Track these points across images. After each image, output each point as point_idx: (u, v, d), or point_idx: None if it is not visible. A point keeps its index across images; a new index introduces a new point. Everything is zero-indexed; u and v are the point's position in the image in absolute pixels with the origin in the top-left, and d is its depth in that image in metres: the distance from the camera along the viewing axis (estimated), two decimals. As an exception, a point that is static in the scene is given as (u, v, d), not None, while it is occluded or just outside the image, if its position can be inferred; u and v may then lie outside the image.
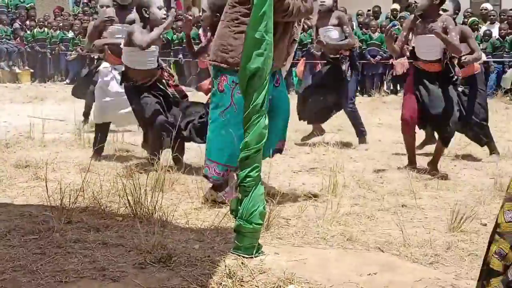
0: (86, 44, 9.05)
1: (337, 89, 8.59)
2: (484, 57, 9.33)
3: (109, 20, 7.56)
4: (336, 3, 8.58)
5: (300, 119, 8.89)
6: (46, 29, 20.34)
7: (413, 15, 7.01)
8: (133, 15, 7.44)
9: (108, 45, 7.68)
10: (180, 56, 18.17)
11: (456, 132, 8.26)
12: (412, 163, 7.06)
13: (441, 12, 6.83)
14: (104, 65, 7.68)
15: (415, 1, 6.79)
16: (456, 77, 6.81)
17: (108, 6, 8.09)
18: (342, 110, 8.86)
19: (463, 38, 7.56)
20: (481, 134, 7.89)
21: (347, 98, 8.65)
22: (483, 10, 16.74)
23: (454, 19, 7.59)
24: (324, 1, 8.37)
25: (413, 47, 6.92)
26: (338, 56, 8.51)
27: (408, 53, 7.27)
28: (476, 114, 7.75)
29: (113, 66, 7.58)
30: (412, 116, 6.80)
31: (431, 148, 7.62)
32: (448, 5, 7.48)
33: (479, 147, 8.15)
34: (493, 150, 7.95)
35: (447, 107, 6.66)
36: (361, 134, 8.74)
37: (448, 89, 6.70)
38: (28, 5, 22.02)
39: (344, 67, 8.47)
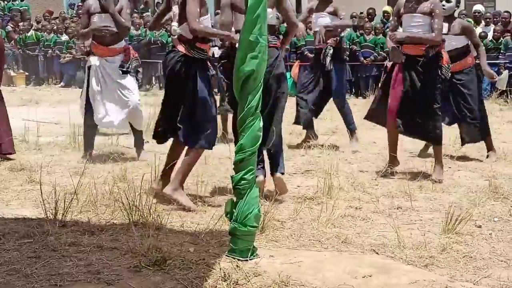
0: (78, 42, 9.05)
1: (326, 81, 8.61)
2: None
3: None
4: None
5: (296, 123, 8.91)
6: (37, 32, 20.31)
7: (402, 1, 7.00)
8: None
9: (94, 36, 7.61)
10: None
11: (451, 134, 8.29)
12: (392, 161, 6.98)
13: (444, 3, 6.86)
14: (93, 60, 7.57)
15: None
16: (442, 67, 6.76)
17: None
18: (337, 111, 8.87)
19: (464, 33, 7.62)
20: (475, 132, 7.90)
21: (338, 91, 8.66)
22: (476, 13, 16.75)
23: (454, 11, 7.66)
24: None
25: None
26: (323, 46, 8.54)
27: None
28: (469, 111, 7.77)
29: (102, 58, 7.55)
30: (395, 103, 6.75)
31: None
32: None
33: (474, 148, 8.16)
34: (489, 148, 7.96)
35: (429, 104, 6.63)
36: (350, 127, 8.77)
37: (431, 82, 6.64)
38: (22, 8, 22.00)
39: (327, 58, 8.48)
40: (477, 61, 7.98)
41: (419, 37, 6.60)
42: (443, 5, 7.51)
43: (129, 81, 7.60)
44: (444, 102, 7.44)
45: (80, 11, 21.31)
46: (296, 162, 7.54)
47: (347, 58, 15.28)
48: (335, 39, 8.58)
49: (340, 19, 8.65)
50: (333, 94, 8.69)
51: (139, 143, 7.77)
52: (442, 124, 7.51)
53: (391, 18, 7.22)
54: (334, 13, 8.57)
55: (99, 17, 7.48)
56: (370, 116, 7.24)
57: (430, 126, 6.67)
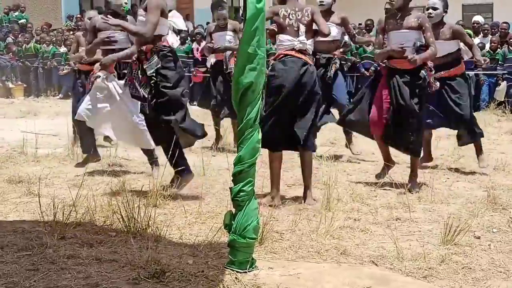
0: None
1: (327, 91, 8.63)
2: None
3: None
4: (335, 1, 8.65)
5: None
6: (36, 44, 20.34)
7: (384, 18, 7.00)
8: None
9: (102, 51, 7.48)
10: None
11: (449, 145, 8.28)
12: (388, 162, 6.99)
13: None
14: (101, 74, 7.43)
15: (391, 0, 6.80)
16: (423, 78, 6.71)
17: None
18: (335, 123, 8.87)
19: (455, 37, 7.60)
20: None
21: (343, 95, 8.74)
22: (475, 24, 16.80)
23: (443, 17, 7.64)
24: (323, 1, 8.54)
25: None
26: (328, 56, 8.51)
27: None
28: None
29: (108, 74, 7.30)
30: (379, 115, 6.76)
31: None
32: (437, 3, 7.54)
33: (472, 159, 8.16)
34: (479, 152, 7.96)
35: (412, 117, 6.62)
36: (348, 133, 8.84)
37: (416, 96, 6.61)
38: (20, 21, 22.06)
39: (332, 69, 8.49)
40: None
41: (424, 57, 6.55)
42: (430, 13, 7.53)
43: (130, 100, 7.15)
44: (432, 105, 7.47)
45: (79, 23, 21.43)
46: (295, 173, 7.53)
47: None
48: (341, 50, 8.65)
49: (352, 32, 8.71)
50: (336, 103, 8.69)
51: (151, 160, 7.51)
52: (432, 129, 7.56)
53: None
54: (341, 25, 8.59)
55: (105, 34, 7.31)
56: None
57: (411, 138, 6.67)
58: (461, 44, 7.82)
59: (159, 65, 6.19)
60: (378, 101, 6.80)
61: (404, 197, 6.04)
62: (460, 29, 7.90)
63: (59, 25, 22.65)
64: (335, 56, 8.54)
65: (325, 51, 8.53)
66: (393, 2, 6.78)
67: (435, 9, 7.54)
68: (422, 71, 6.61)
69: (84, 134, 7.64)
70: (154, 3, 6.11)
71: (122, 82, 7.13)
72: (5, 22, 22.29)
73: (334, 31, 8.52)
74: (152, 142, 7.35)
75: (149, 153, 7.50)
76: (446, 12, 7.61)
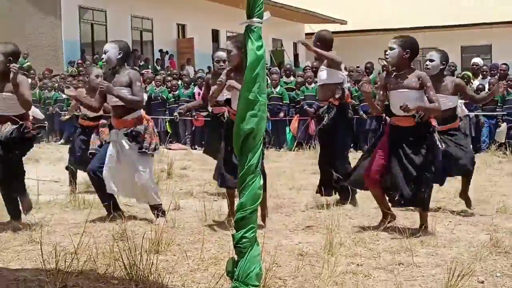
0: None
1: (330, 144, 8.44)
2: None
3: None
4: (325, 46, 8.25)
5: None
6: (38, 90, 20.48)
7: (385, 72, 7.03)
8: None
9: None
10: (176, 114, 18.25)
11: (450, 188, 8.27)
12: (386, 216, 6.94)
13: (412, 66, 6.80)
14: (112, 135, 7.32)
15: (385, 57, 6.79)
16: (432, 128, 6.71)
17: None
18: None
19: (457, 90, 7.60)
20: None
21: (340, 156, 8.43)
22: (474, 66, 16.91)
23: (441, 69, 7.62)
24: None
25: (388, 104, 6.91)
26: (325, 104, 8.36)
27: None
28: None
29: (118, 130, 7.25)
30: (377, 171, 6.74)
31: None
32: (434, 55, 7.52)
33: (474, 202, 8.13)
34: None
35: (419, 172, 6.56)
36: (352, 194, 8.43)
37: (422, 151, 6.57)
38: (25, 64, 22.23)
39: (327, 116, 8.28)
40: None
41: (427, 107, 6.49)
42: (427, 65, 7.51)
43: (143, 160, 7.22)
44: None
45: (80, 68, 21.57)
46: (297, 218, 7.53)
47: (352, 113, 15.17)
48: (337, 96, 8.26)
49: (341, 75, 8.30)
50: (339, 161, 8.39)
51: (157, 212, 7.34)
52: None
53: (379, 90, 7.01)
54: (330, 66, 8.25)
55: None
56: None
57: (423, 193, 6.62)
58: (458, 102, 7.83)
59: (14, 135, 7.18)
60: (376, 157, 6.80)
61: (407, 241, 6.02)
62: (461, 82, 7.87)
63: (60, 71, 22.82)
64: (330, 103, 8.31)
65: (320, 98, 8.50)
66: (388, 59, 6.76)
67: (431, 61, 7.50)
68: (433, 134, 6.63)
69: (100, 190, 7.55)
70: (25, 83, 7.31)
71: (127, 140, 7.12)
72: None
73: (324, 75, 8.30)
74: (158, 197, 7.32)
75: (156, 207, 7.38)
76: (444, 65, 7.59)
